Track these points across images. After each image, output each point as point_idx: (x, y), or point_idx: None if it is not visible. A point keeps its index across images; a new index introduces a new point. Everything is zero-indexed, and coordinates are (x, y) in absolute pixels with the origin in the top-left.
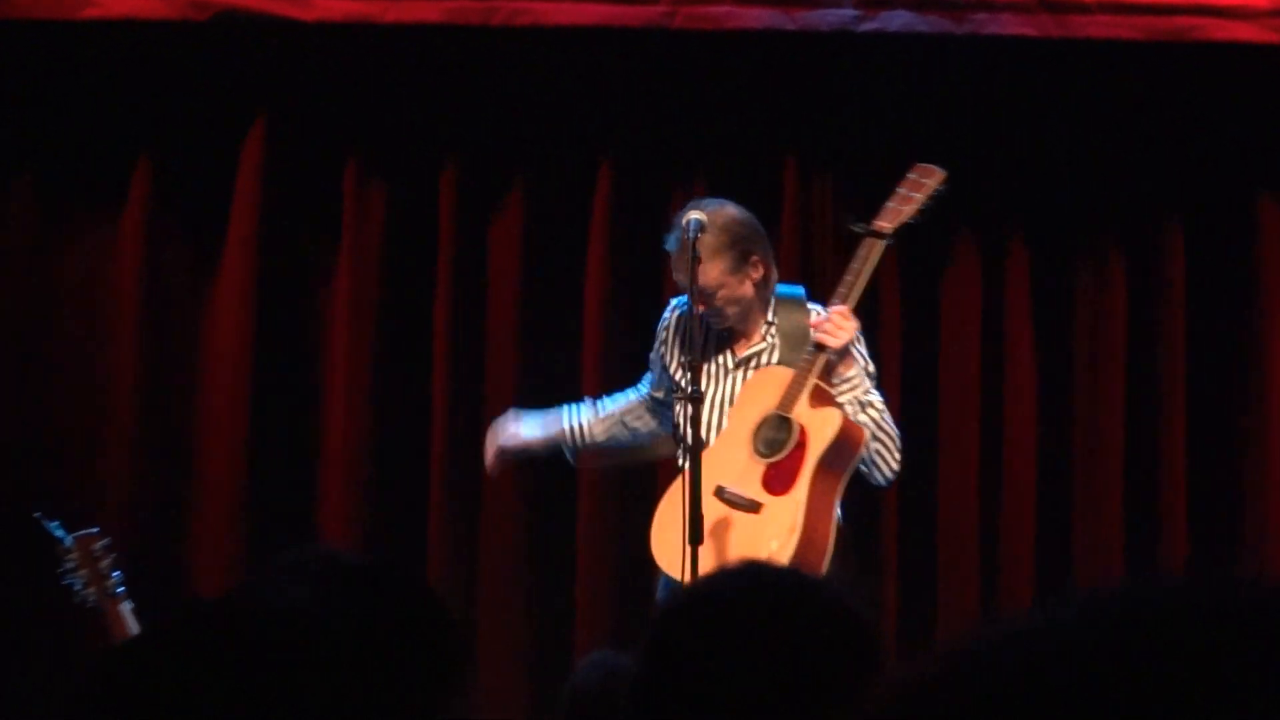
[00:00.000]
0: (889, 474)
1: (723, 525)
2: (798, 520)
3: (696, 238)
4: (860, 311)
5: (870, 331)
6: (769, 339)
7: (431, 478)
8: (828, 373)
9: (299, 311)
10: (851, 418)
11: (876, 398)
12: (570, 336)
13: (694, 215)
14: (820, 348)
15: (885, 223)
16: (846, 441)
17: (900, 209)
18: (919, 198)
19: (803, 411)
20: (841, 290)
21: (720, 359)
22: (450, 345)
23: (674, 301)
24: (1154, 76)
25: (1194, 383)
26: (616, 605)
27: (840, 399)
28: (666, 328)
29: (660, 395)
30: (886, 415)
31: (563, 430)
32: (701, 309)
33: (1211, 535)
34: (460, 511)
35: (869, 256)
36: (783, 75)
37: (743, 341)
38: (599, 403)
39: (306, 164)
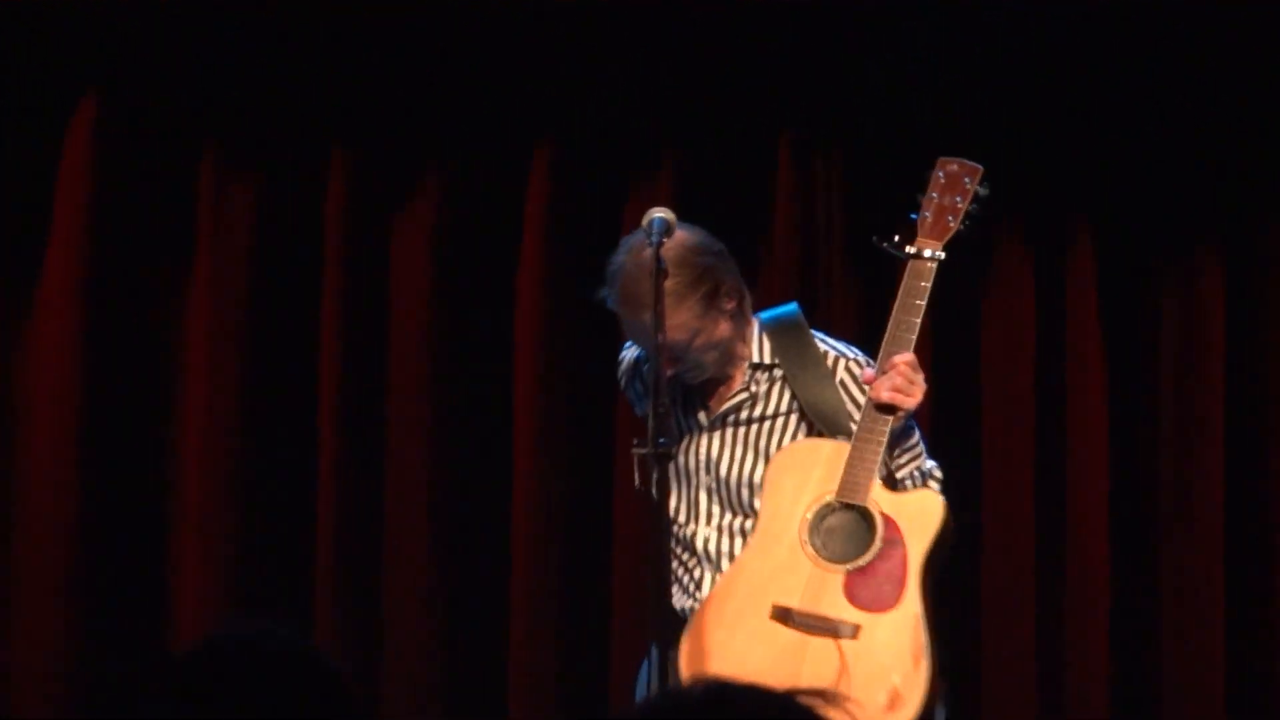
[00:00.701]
0: None
1: (799, 657)
2: (921, 642)
3: (660, 243)
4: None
5: None
6: (752, 387)
7: (318, 540)
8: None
9: (143, 337)
10: None
11: (935, 466)
12: (498, 360)
13: (658, 214)
14: (887, 410)
15: (934, 239)
16: (949, 530)
17: (945, 220)
18: (962, 204)
19: (881, 497)
20: (901, 333)
21: (688, 418)
22: (341, 375)
23: (624, 355)
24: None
25: None
26: (553, 641)
27: (899, 474)
28: (629, 374)
29: None
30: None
31: None
32: (672, 371)
33: None
34: (355, 575)
35: (918, 293)
36: (773, 28)
37: (718, 392)
38: None
39: (150, 153)
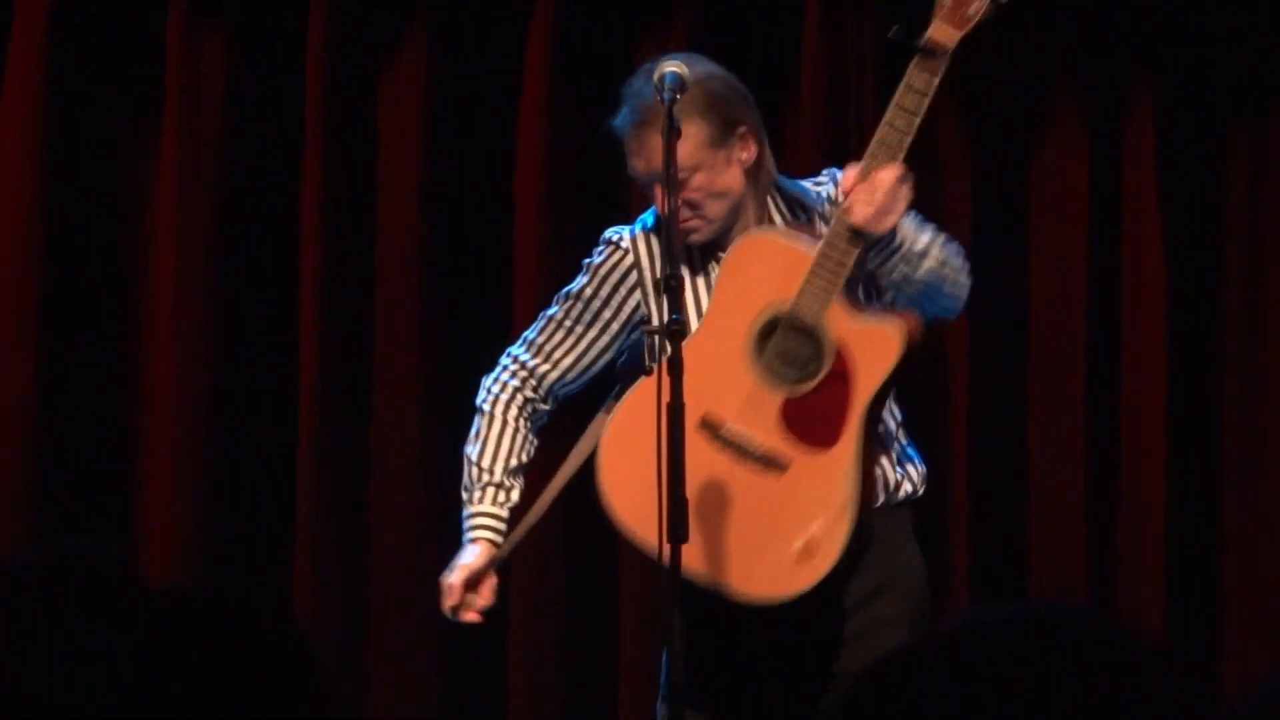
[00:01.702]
0: (960, 304)
1: (720, 483)
2: (848, 494)
3: (674, 100)
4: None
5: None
6: None
7: (299, 470)
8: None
9: (102, 222)
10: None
11: (952, 255)
12: (499, 246)
13: (669, 68)
14: (858, 234)
15: (951, 27)
16: (909, 362)
17: (961, 5)
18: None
19: (838, 320)
20: (891, 137)
21: (698, 293)
22: (321, 260)
23: (618, 233)
24: None
25: None
26: (554, 616)
27: (893, 276)
28: (627, 260)
29: (565, 375)
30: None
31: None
32: (664, 211)
33: None
34: (338, 513)
35: (922, 85)
36: None
37: None
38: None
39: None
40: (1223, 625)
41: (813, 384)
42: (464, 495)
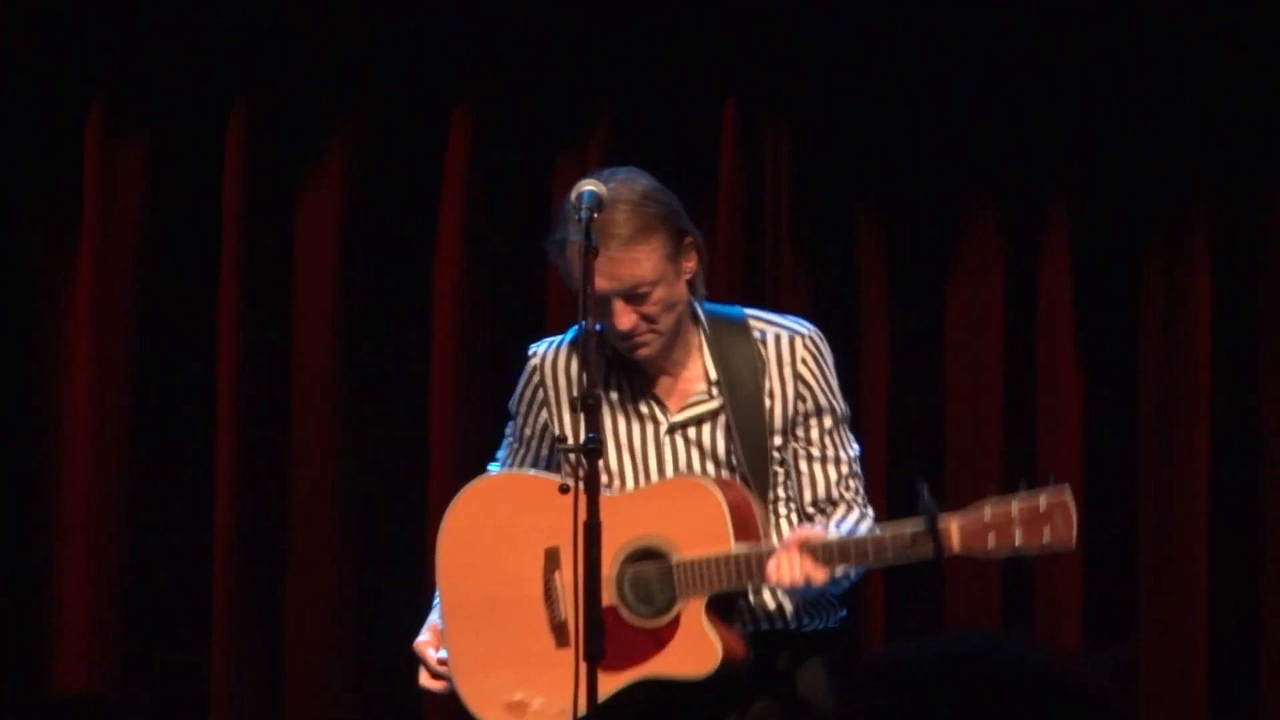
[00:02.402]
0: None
1: (523, 608)
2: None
3: (590, 219)
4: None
5: (844, 343)
6: (715, 392)
7: (217, 544)
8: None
9: (25, 318)
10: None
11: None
12: (413, 345)
13: (587, 187)
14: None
15: (961, 540)
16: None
17: (990, 537)
18: (1020, 547)
19: (693, 607)
20: (852, 548)
21: (635, 405)
22: (239, 358)
23: (534, 349)
24: None
25: None
26: None
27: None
28: (535, 379)
29: None
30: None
31: None
32: (630, 325)
33: None
34: (257, 583)
35: (903, 549)
36: None
37: (674, 387)
38: None
39: (32, 111)
40: None
41: (635, 621)
42: None
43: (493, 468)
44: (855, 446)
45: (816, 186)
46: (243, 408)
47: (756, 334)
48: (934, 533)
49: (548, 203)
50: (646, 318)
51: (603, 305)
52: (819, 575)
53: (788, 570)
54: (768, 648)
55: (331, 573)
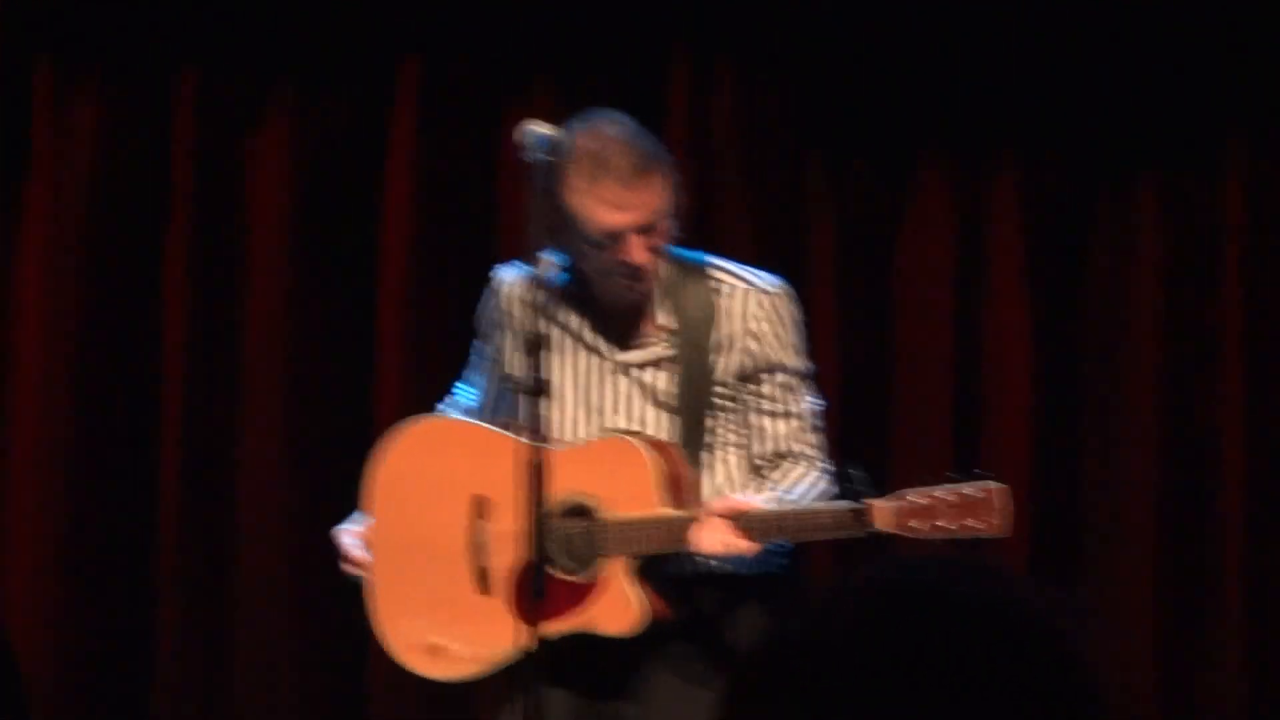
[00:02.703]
0: None
1: (443, 554)
2: (492, 663)
3: (538, 160)
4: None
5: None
6: (670, 341)
7: (162, 513)
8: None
9: None
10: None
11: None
12: (362, 307)
13: (536, 128)
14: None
15: (894, 520)
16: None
17: (919, 521)
18: (953, 530)
19: (615, 566)
20: (783, 522)
21: (584, 341)
22: (190, 316)
23: (499, 272)
24: None
25: (1259, 355)
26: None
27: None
28: (494, 301)
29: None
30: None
31: None
32: (645, 259)
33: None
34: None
35: (832, 524)
36: None
37: (626, 325)
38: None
39: None
40: None
41: (559, 575)
42: None
43: (458, 392)
44: (814, 402)
45: (765, 136)
46: (191, 364)
47: (714, 283)
48: (861, 512)
49: (495, 152)
50: (655, 250)
51: (612, 242)
52: (742, 545)
53: (708, 540)
54: (703, 592)
55: (280, 525)
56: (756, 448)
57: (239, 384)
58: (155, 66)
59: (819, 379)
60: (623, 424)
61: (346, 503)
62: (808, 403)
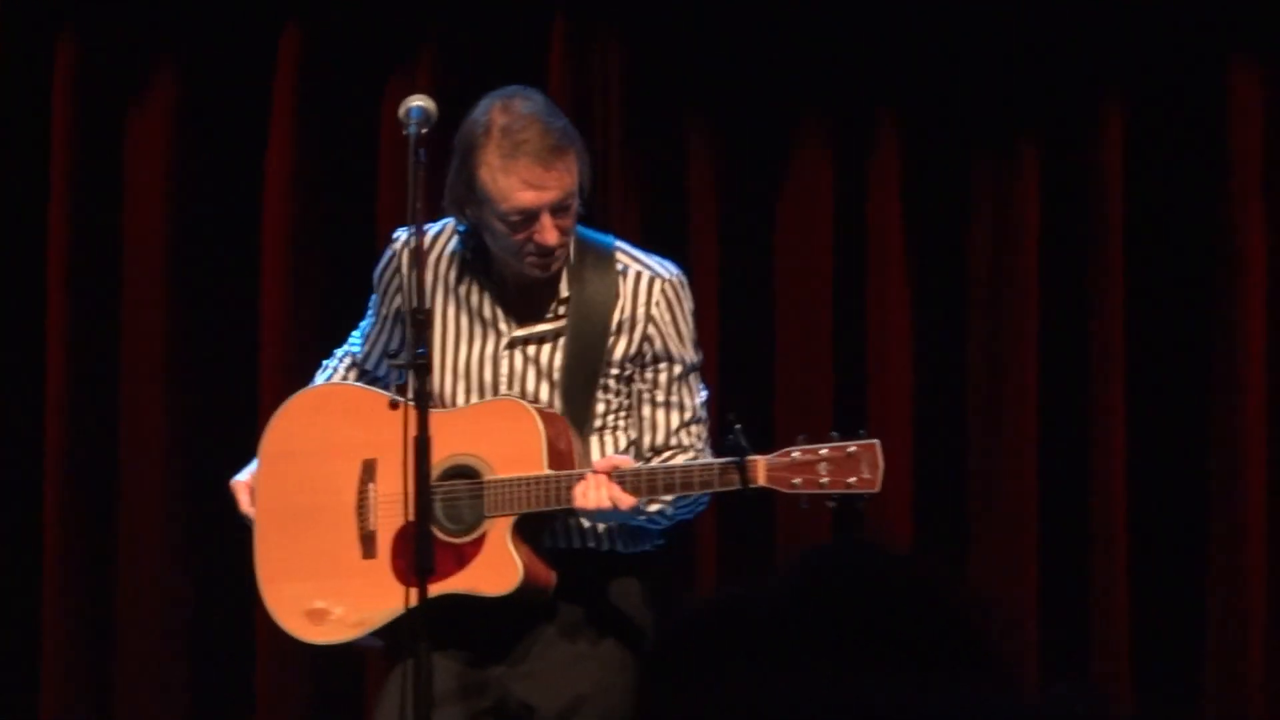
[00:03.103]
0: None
1: (332, 517)
2: (372, 623)
3: (419, 135)
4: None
5: (675, 262)
6: (561, 312)
7: (46, 502)
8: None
9: None
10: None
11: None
12: (244, 273)
13: (416, 102)
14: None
15: (774, 475)
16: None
17: (799, 478)
18: (830, 488)
19: (499, 527)
20: (659, 479)
21: (480, 315)
22: (68, 292)
23: (399, 234)
24: None
25: (1138, 315)
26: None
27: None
28: (394, 264)
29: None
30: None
31: None
32: (557, 239)
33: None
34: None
35: (708, 481)
36: None
37: (524, 301)
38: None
39: None
40: None
41: (442, 537)
42: None
43: (352, 342)
44: (702, 394)
45: (646, 105)
46: (72, 343)
47: (619, 266)
48: (741, 466)
49: (377, 126)
50: (564, 231)
51: (526, 222)
52: (625, 501)
53: (594, 494)
54: (582, 566)
55: (163, 504)
56: (646, 439)
57: (120, 365)
58: (32, 37)
59: (701, 343)
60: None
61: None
62: (697, 396)
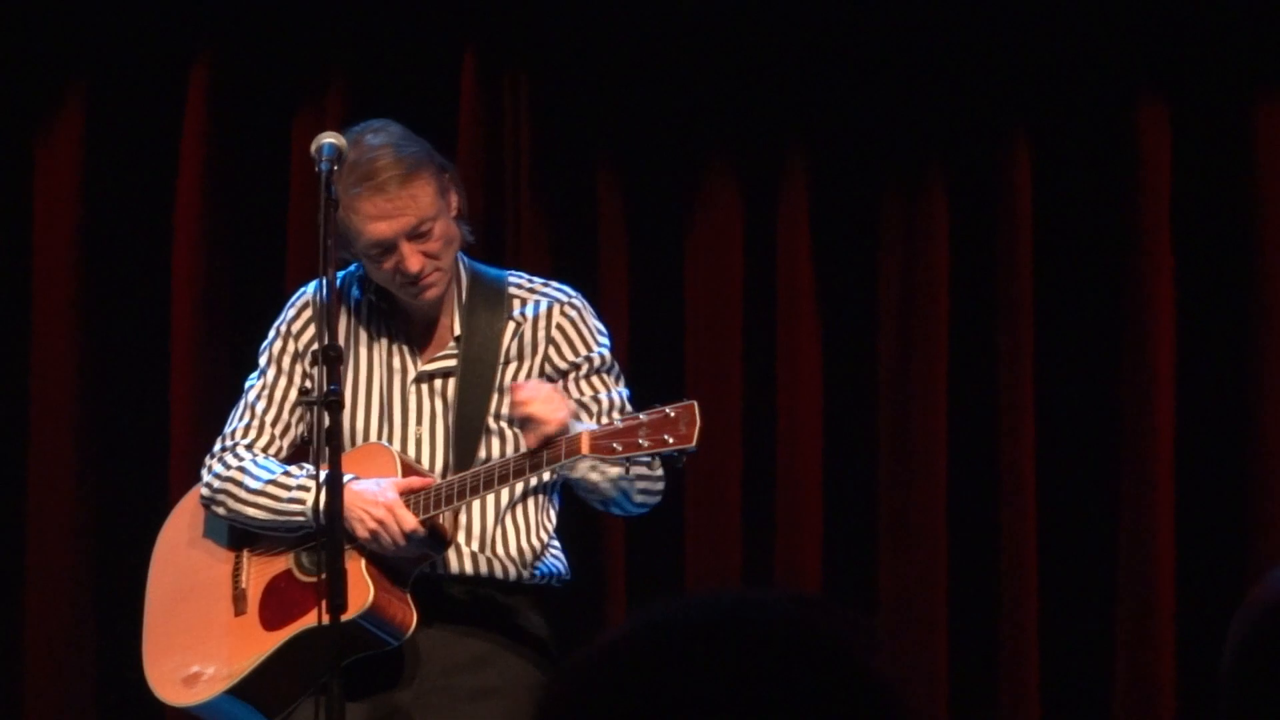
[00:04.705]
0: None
1: (207, 580)
2: (242, 671)
3: (330, 171)
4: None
5: (584, 298)
6: (455, 346)
7: None
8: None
9: None
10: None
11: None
12: (154, 310)
13: (327, 139)
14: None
15: (595, 442)
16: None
17: (621, 442)
18: (648, 446)
19: (354, 559)
20: (478, 480)
21: (392, 361)
22: None
23: (306, 288)
24: None
25: (1048, 348)
26: None
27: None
28: (307, 313)
29: (285, 434)
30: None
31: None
32: (420, 265)
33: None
34: None
35: (525, 464)
36: None
37: (427, 336)
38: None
39: None
40: None
41: (303, 578)
42: (296, 500)
43: (232, 440)
44: (621, 390)
45: (555, 141)
46: None
47: (513, 299)
48: (569, 438)
49: (287, 157)
50: (431, 255)
51: (387, 253)
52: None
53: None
54: (484, 595)
55: (71, 546)
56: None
57: (29, 392)
58: None
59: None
60: (423, 432)
61: (140, 506)
62: (615, 392)
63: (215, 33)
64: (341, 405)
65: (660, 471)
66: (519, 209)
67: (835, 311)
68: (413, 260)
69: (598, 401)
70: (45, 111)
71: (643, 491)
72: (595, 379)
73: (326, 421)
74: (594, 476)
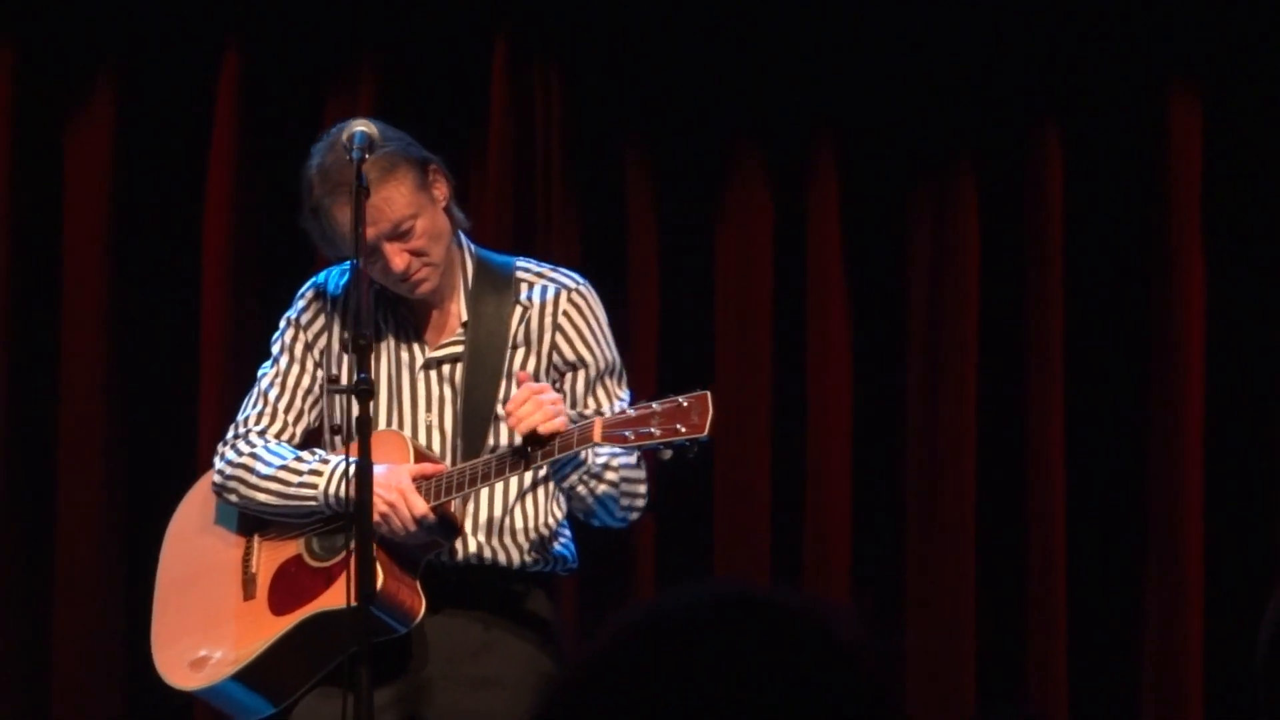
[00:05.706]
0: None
1: (215, 566)
2: (250, 655)
3: (363, 159)
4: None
5: (614, 285)
6: (462, 333)
7: None
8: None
9: None
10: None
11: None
12: (184, 294)
13: (358, 128)
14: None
15: (606, 431)
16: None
17: (633, 432)
18: (659, 436)
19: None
20: (468, 474)
21: (400, 349)
22: (9, 321)
23: (306, 288)
24: None
25: (1079, 336)
26: None
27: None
28: (320, 303)
29: (300, 422)
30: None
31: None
32: (405, 264)
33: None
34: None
35: (552, 456)
36: None
37: (436, 322)
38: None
39: None
40: None
41: (312, 564)
42: (308, 484)
43: (247, 416)
44: (622, 397)
45: (586, 127)
46: (11, 347)
47: (520, 284)
48: (581, 426)
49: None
50: (417, 253)
51: (373, 254)
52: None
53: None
54: (495, 582)
55: (100, 525)
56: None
57: (58, 377)
58: None
59: (640, 372)
60: (433, 419)
61: (167, 501)
62: (617, 401)
63: (247, 20)
64: (371, 394)
65: (643, 474)
66: (549, 197)
67: (865, 301)
68: (397, 260)
69: (601, 416)
70: (76, 99)
71: (625, 507)
72: (599, 389)
73: (355, 410)
74: (581, 489)
